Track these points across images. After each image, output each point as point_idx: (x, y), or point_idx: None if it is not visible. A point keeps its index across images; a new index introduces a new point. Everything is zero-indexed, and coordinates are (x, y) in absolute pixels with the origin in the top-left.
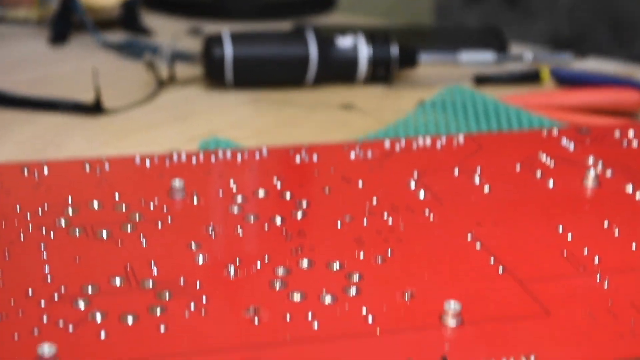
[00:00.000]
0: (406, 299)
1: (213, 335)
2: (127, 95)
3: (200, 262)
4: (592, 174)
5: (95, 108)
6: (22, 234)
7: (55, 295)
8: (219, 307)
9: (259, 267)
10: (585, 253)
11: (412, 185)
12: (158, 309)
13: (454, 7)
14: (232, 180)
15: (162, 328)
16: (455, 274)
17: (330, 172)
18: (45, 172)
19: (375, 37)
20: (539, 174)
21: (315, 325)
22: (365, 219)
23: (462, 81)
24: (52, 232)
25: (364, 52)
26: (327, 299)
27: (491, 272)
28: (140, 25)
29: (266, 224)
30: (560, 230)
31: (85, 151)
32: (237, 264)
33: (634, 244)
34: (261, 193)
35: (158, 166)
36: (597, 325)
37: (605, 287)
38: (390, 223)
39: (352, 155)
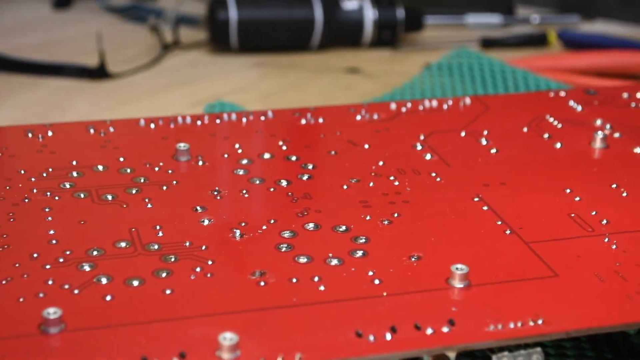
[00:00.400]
0: (413, 261)
1: (219, 298)
2: (131, 59)
3: (206, 224)
4: (599, 135)
5: (99, 72)
6: (27, 197)
7: (61, 258)
8: (224, 270)
9: (265, 229)
10: (593, 214)
11: (419, 147)
12: (164, 273)
13: None
14: (237, 143)
15: (168, 291)
16: (462, 236)
17: (336, 134)
18: (50, 135)
19: (381, 0)
20: (546, 135)
21: (322, 288)
22: (371, 182)
23: (469, 44)
24: (57, 196)
25: (370, 15)
26: (334, 262)
27: (498, 234)
28: None
29: (272, 187)
30: (568, 192)
31: (89, 115)
32: (243, 227)
33: None
34: (267, 156)
35: (163, 129)
36: (605, 287)
37: (613, 249)
38: (396, 185)
39: (358, 118)
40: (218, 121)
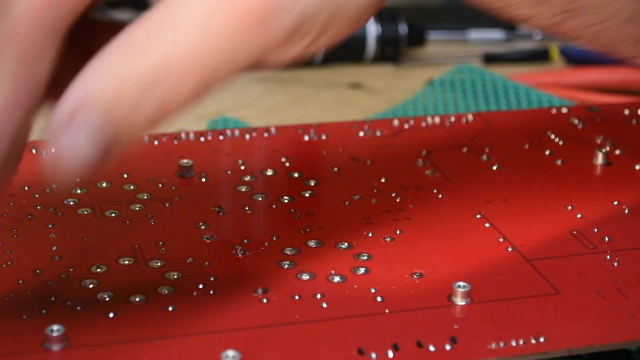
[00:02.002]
0: (415, 279)
1: (221, 315)
2: None
3: (209, 241)
4: (601, 152)
5: None
6: (30, 214)
7: (64, 275)
8: (227, 287)
9: (267, 246)
10: (595, 231)
11: (421, 163)
12: (166, 289)
13: None
14: (240, 160)
15: (171, 308)
16: (464, 253)
17: (339, 151)
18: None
19: (383, 15)
20: (548, 152)
21: (324, 305)
22: (373, 198)
23: (471, 60)
24: (60, 212)
25: (373, 30)
26: (336, 279)
27: (500, 251)
28: (149, 3)
29: (275, 204)
30: (570, 209)
31: None
32: (246, 243)
33: None
34: (269, 172)
35: (166, 145)
36: (607, 305)
37: (615, 266)
38: (399, 202)
39: (361, 134)
40: (221, 137)
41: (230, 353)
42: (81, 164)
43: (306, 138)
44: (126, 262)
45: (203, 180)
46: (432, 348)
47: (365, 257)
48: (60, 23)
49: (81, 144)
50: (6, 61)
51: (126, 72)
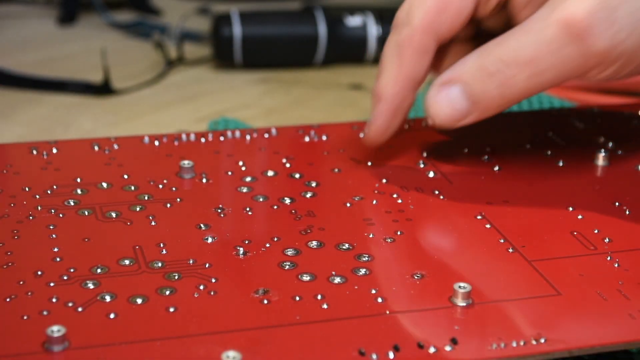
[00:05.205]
0: (416, 280)
1: (222, 316)
2: (135, 75)
3: (210, 242)
4: (602, 153)
5: (103, 88)
6: (31, 215)
7: (65, 276)
8: (228, 288)
9: (268, 247)
10: (596, 232)
11: (422, 164)
12: (167, 290)
13: None
14: (241, 161)
15: (172, 309)
16: (464, 254)
17: (340, 152)
18: (54, 152)
19: (384, 16)
20: (549, 153)
21: (325, 306)
22: (374, 199)
23: None
24: (61, 213)
25: (373, 31)
26: (337, 280)
27: (501, 252)
28: (149, 4)
29: (275, 204)
30: (571, 210)
31: (93, 131)
32: (247, 244)
33: None
34: (270, 173)
35: (167, 146)
36: (607, 306)
37: (616, 267)
38: (399, 203)
39: (362, 135)
40: (222, 138)
41: (231, 354)
42: (443, 119)
43: (307, 139)
44: (127, 263)
45: (204, 181)
46: (432, 349)
47: (366, 258)
48: (442, 35)
49: (444, 105)
50: (404, 57)
51: (479, 64)
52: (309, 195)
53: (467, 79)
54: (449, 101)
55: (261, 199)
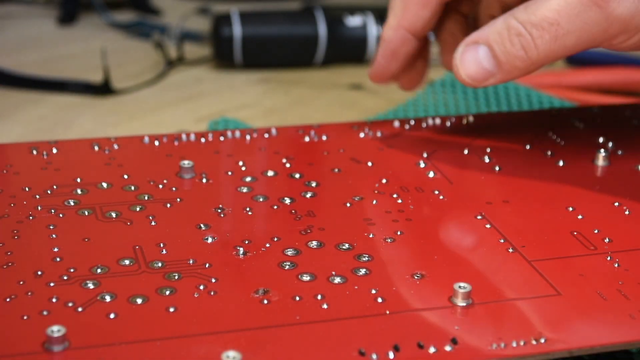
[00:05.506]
0: (416, 280)
1: (222, 316)
2: (135, 75)
3: (210, 242)
4: (602, 153)
5: (103, 88)
6: (31, 215)
7: (65, 276)
8: (228, 288)
9: (268, 247)
10: (596, 232)
11: (422, 165)
12: (167, 290)
13: None
14: (241, 161)
15: (172, 309)
16: (465, 254)
17: (340, 152)
18: (54, 152)
19: (384, 16)
20: (549, 153)
21: (325, 306)
22: (374, 199)
23: None
24: (61, 213)
25: (373, 31)
26: (337, 280)
27: (501, 252)
28: (149, 4)
29: (275, 205)
30: (571, 210)
31: (93, 131)
32: (247, 244)
33: None
34: (270, 173)
35: (167, 146)
36: (607, 306)
37: (616, 267)
38: (399, 203)
39: (362, 135)
40: (222, 138)
41: (231, 354)
42: (470, 75)
43: (307, 139)
44: (127, 263)
45: (204, 181)
46: (432, 349)
47: (366, 258)
48: None
49: (471, 63)
50: (406, 5)
51: (506, 25)
52: (309, 195)
53: (493, 39)
54: (475, 60)
55: (261, 199)
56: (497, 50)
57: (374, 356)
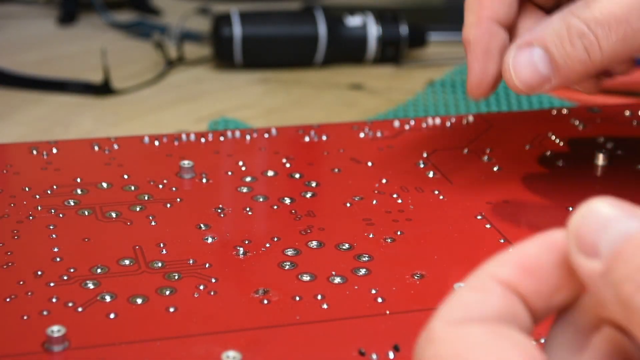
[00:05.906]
0: (416, 279)
1: (222, 316)
2: (135, 75)
3: (210, 242)
4: (602, 153)
5: (103, 88)
6: (31, 215)
7: (65, 276)
8: (228, 288)
9: (268, 247)
10: None
11: (422, 165)
12: (167, 290)
13: None
14: (241, 161)
15: (172, 309)
16: (465, 254)
17: (340, 152)
18: (54, 152)
19: (384, 16)
20: (548, 153)
21: (325, 306)
22: (374, 199)
23: None
24: (61, 213)
25: (373, 31)
26: (337, 280)
27: (501, 252)
28: (149, 4)
29: (275, 205)
30: (571, 210)
31: (93, 131)
32: (247, 244)
33: None
34: (270, 173)
35: (167, 146)
36: None
37: None
38: (399, 203)
39: (362, 135)
40: (222, 138)
41: (231, 354)
42: (523, 80)
43: (307, 139)
44: (127, 263)
45: (204, 181)
46: None
47: (366, 258)
48: None
49: (523, 68)
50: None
51: (566, 24)
52: (309, 195)
53: (551, 41)
54: (530, 63)
55: (261, 199)
56: (555, 53)
57: (374, 356)
